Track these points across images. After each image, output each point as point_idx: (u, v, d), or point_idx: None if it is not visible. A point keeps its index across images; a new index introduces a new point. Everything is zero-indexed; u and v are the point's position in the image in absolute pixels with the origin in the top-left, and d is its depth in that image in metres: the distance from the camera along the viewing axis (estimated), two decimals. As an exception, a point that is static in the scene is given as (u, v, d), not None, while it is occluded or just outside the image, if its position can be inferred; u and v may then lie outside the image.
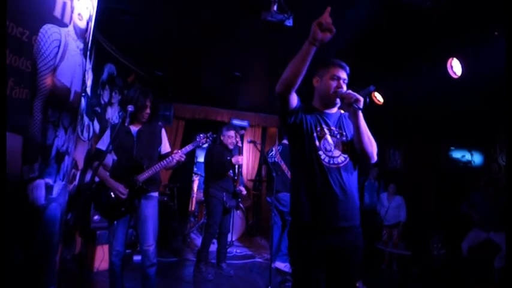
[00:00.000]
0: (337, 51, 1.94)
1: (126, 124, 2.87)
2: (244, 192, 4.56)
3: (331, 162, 1.92)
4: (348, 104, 1.88)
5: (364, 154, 1.95)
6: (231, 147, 4.34)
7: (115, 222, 2.90)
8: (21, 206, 1.90)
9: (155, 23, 4.02)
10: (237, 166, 4.29)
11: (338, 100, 2.01)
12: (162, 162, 3.01)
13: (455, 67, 3.78)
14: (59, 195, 2.25)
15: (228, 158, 4.21)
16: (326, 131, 1.98)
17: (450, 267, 4.53)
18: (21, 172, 1.86)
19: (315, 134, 1.96)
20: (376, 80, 5.06)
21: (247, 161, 7.87)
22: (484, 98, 4.59)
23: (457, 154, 5.93)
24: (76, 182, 4.02)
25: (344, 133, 2.03)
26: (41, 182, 2.02)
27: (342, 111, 2.19)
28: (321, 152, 1.93)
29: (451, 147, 5.93)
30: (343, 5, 3.05)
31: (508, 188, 4.36)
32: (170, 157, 3.05)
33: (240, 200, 4.55)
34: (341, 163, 1.94)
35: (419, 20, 3.36)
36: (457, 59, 3.76)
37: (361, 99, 1.87)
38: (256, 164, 8.55)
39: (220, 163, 4.19)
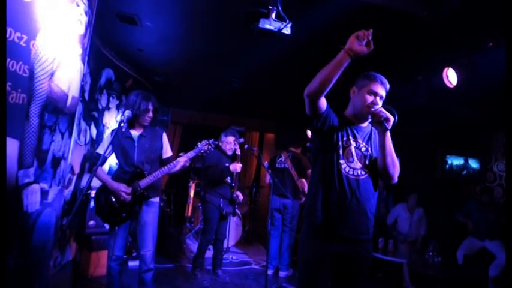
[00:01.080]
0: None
1: (123, 130, 2.87)
2: (241, 197, 4.53)
3: (350, 172, 1.93)
4: (378, 122, 1.88)
5: (385, 174, 1.95)
6: (229, 153, 4.32)
7: (116, 227, 2.90)
8: (16, 211, 1.89)
9: (154, 29, 4.03)
10: (235, 173, 4.26)
11: (369, 116, 1.99)
12: (164, 169, 2.99)
13: (451, 77, 3.81)
14: (54, 200, 2.25)
15: (226, 164, 4.20)
16: (352, 142, 1.98)
17: (445, 276, 4.52)
18: (17, 177, 1.86)
19: (340, 143, 1.96)
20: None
21: (244, 167, 7.86)
22: (479, 108, 4.63)
23: (452, 162, 5.95)
24: (72, 187, 4.01)
25: (370, 149, 2.03)
26: (36, 187, 2.02)
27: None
28: (342, 161, 1.93)
29: (447, 156, 5.95)
30: (339, 15, 3.08)
31: (507, 192, 4.38)
32: (174, 162, 3.02)
33: (236, 206, 4.53)
34: (360, 176, 1.95)
35: (416, 30, 3.40)
36: (453, 68, 3.79)
37: (392, 118, 1.85)
38: (253, 170, 8.55)
39: (217, 169, 4.17)
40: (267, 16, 3.08)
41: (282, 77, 5.32)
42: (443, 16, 3.15)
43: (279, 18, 3.09)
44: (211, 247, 4.42)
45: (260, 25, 3.11)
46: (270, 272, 4.68)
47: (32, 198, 1.99)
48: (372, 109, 1.91)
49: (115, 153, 2.98)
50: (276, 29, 3.12)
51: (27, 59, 1.87)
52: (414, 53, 3.95)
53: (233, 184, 4.32)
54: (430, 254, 4.19)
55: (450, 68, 3.83)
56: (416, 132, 5.87)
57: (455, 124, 5.41)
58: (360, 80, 2.02)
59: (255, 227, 7.31)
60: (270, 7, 3.05)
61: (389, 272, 5.02)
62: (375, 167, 1.99)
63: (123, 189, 2.84)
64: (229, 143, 4.27)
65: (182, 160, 3.02)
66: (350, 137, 1.99)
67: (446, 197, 5.67)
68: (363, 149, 2.01)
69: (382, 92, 1.99)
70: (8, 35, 1.76)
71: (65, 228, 2.07)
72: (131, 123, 3.00)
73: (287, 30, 3.12)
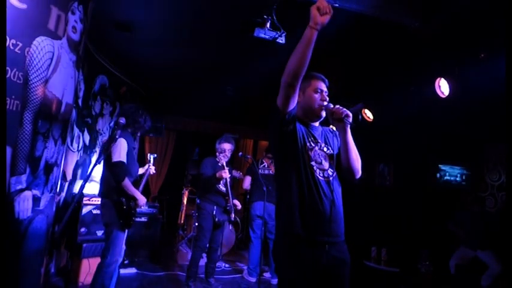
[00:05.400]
0: (328, 69, 1.99)
1: (117, 137, 2.87)
2: (239, 206, 4.49)
3: (321, 175, 1.91)
4: (338, 119, 1.88)
5: (350, 170, 1.95)
6: (223, 160, 4.24)
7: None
8: (8, 217, 1.88)
9: (148, 36, 4.05)
10: (228, 181, 4.20)
11: (323, 113, 2.01)
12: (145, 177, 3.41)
13: (443, 87, 3.86)
14: (46, 207, 2.23)
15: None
16: (314, 143, 1.99)
17: (438, 285, 4.54)
18: (9, 184, 1.85)
19: (308, 144, 1.95)
20: (367, 98, 5.14)
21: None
22: (471, 118, 4.69)
23: (444, 172, 6.00)
24: (64, 194, 3.98)
25: (330, 147, 2.04)
26: (28, 194, 2.00)
27: (331, 126, 2.20)
28: (313, 163, 1.91)
29: (439, 165, 6.00)
30: (333, 24, 3.11)
31: (508, 195, 4.41)
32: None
33: (233, 214, 4.45)
34: (331, 176, 1.94)
35: (408, 41, 3.44)
36: (445, 79, 3.85)
37: (351, 114, 1.88)
38: (240, 179, 8.54)
39: (207, 176, 4.14)
40: (262, 25, 3.10)
41: (276, 85, 5.35)
42: (436, 27, 3.20)
43: (274, 27, 3.12)
44: (204, 255, 4.38)
45: (255, 34, 3.14)
46: (253, 279, 4.68)
47: (24, 205, 1.97)
48: (330, 106, 1.94)
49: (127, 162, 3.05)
50: (271, 38, 3.15)
51: (22, 66, 1.87)
52: (407, 63, 4.00)
53: (227, 196, 4.24)
54: (423, 263, 4.20)
55: (442, 79, 3.88)
56: (409, 140, 5.93)
57: (448, 133, 5.47)
58: (301, 82, 1.94)
59: (248, 235, 7.28)
60: (265, 16, 3.08)
61: (382, 281, 5.04)
62: (339, 165, 2.00)
63: (145, 200, 3.18)
64: (224, 150, 4.23)
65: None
66: (311, 138, 1.99)
67: (438, 206, 5.71)
68: (325, 149, 2.01)
69: (325, 88, 2.05)
70: (2, 42, 1.76)
71: (56, 236, 2.05)
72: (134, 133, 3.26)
73: (282, 40, 3.15)
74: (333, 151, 2.04)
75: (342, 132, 1.93)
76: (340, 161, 2.00)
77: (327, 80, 2.07)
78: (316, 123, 2.10)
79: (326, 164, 1.96)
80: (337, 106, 1.92)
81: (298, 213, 1.87)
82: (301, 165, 1.91)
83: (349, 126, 1.90)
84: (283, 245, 1.93)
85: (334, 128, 2.11)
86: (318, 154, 1.96)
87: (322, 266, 1.85)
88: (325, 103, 1.98)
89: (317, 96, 2.00)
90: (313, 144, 1.98)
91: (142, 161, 3.56)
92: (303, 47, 1.73)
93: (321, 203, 1.86)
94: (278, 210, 2.02)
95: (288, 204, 1.91)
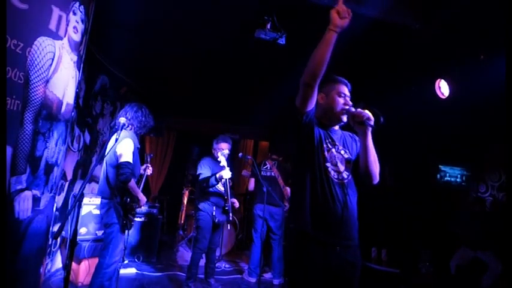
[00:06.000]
0: (329, 69, 2.00)
1: (119, 136, 2.86)
2: (237, 205, 4.46)
3: (336, 177, 1.93)
4: (360, 123, 1.89)
5: (368, 174, 1.95)
6: (224, 159, 4.22)
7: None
8: (8, 217, 1.88)
9: (149, 36, 4.05)
10: (227, 181, 4.16)
11: (344, 117, 2.03)
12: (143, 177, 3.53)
13: (443, 88, 3.86)
14: (46, 207, 2.23)
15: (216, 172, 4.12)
16: (331, 145, 2.00)
17: (438, 286, 4.53)
18: (9, 183, 1.85)
19: (324, 145, 1.97)
20: (367, 98, 5.14)
21: (237, 175, 7.83)
22: (471, 118, 4.69)
23: (445, 172, 6.00)
24: (64, 194, 3.98)
25: (347, 151, 2.06)
26: (28, 194, 2.00)
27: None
28: (328, 164, 1.93)
29: (439, 166, 6.00)
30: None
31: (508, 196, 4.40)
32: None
33: (231, 214, 4.43)
34: (345, 179, 1.95)
35: (409, 42, 3.45)
36: (445, 80, 3.85)
37: (372, 117, 1.88)
38: (247, 178, 8.54)
39: (205, 177, 4.12)
40: (262, 26, 3.11)
41: (277, 85, 5.36)
42: (436, 28, 3.20)
43: (274, 28, 3.13)
44: (204, 255, 4.37)
45: (255, 35, 3.15)
46: (253, 279, 4.67)
47: (24, 205, 1.98)
48: (352, 110, 1.95)
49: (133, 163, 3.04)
50: (271, 39, 3.16)
51: (23, 66, 1.88)
52: (407, 64, 4.00)
53: (226, 196, 4.21)
54: (423, 263, 4.20)
55: (442, 80, 3.88)
56: (409, 141, 5.92)
57: (448, 134, 5.47)
58: (324, 85, 2.05)
59: (248, 235, 7.27)
60: (266, 17, 3.09)
61: (382, 282, 5.03)
62: (356, 169, 2.01)
63: (145, 200, 3.19)
64: (221, 150, 4.19)
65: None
66: (329, 140, 2.01)
67: (439, 207, 5.71)
68: (342, 151, 2.03)
69: (348, 92, 2.07)
70: (3, 42, 1.76)
71: (56, 237, 2.05)
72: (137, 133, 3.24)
73: (282, 41, 3.16)
74: (351, 155, 2.06)
75: (362, 136, 1.95)
76: (358, 166, 2.01)
77: (349, 85, 2.10)
78: (336, 127, 2.13)
79: (342, 167, 1.98)
80: (359, 110, 1.93)
81: (309, 213, 1.90)
82: (316, 166, 1.94)
83: (370, 129, 1.91)
84: (294, 243, 1.97)
85: (337, 127, 2.13)
86: (335, 156, 1.98)
87: (332, 267, 1.87)
88: (347, 107, 2.00)
89: (340, 99, 2.03)
90: (330, 146, 2.00)
91: (141, 161, 3.56)
92: (322, 48, 1.77)
93: (333, 204, 1.89)
94: (291, 208, 2.07)
95: (300, 203, 1.95)
